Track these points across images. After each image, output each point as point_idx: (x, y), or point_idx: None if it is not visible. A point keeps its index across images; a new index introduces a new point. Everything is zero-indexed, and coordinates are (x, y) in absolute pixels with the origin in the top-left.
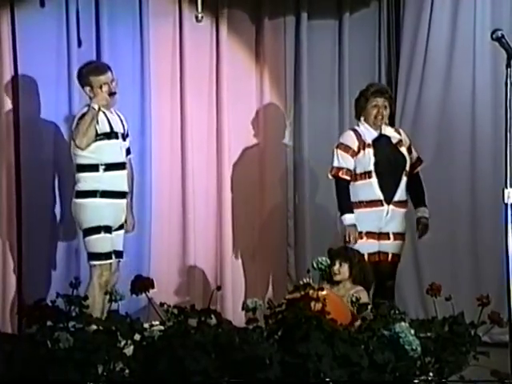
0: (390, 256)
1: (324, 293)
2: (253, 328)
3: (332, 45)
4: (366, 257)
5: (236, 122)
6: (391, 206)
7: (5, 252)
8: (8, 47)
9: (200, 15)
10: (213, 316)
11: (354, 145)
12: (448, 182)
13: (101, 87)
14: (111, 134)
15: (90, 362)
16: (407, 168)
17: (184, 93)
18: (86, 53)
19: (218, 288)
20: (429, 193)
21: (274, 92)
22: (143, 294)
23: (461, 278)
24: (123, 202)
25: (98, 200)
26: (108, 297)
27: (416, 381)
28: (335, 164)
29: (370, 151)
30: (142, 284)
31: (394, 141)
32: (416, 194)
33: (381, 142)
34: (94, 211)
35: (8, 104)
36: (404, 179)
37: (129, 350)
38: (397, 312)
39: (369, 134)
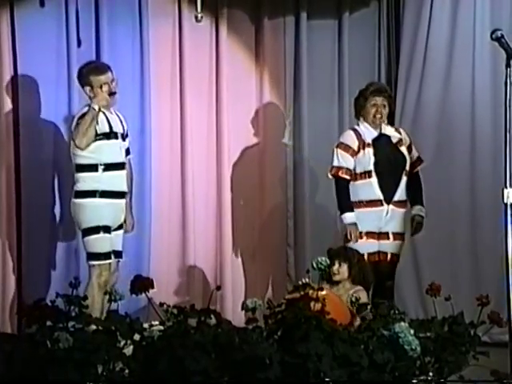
0: (389, 256)
1: (323, 293)
2: (252, 328)
3: (332, 44)
4: (365, 257)
5: (236, 122)
6: (391, 206)
7: (4, 252)
8: (8, 47)
9: (200, 15)
10: (212, 316)
11: (354, 144)
12: (447, 181)
13: (101, 87)
14: (110, 134)
15: (89, 361)
16: (407, 167)
17: (184, 93)
18: (86, 53)
19: (218, 288)
20: (428, 193)
21: (273, 92)
22: (143, 294)
23: (460, 277)
24: (122, 202)
25: (97, 200)
26: (107, 297)
27: (415, 381)
28: (335, 163)
29: (369, 151)
30: (141, 284)
31: (394, 140)
32: (414, 193)
33: (381, 142)
34: (93, 211)
35: (8, 104)
36: (404, 179)
37: (128, 350)
38: (396, 312)
39: (369, 133)
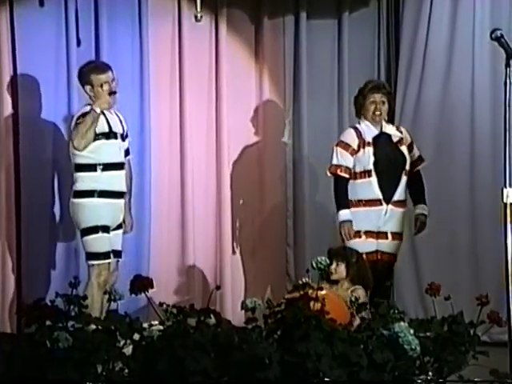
0: (387, 255)
1: (323, 292)
2: (252, 328)
3: (331, 44)
4: (364, 256)
5: (235, 121)
6: (390, 206)
7: (4, 251)
8: (7, 46)
9: (199, 15)
10: (212, 316)
11: (354, 143)
12: (447, 181)
13: (101, 86)
14: (110, 134)
15: (89, 361)
16: (407, 167)
17: (183, 92)
18: (85, 52)
19: (218, 287)
20: (428, 192)
21: (273, 91)
22: (142, 294)
23: (460, 277)
24: (121, 201)
25: (95, 200)
26: (107, 296)
27: (415, 380)
28: (334, 162)
29: (369, 150)
30: (141, 284)
31: (395, 139)
32: (416, 192)
33: (381, 140)
34: (92, 211)
35: (7, 103)
36: (404, 179)
37: (128, 350)
38: (396, 312)
39: (369, 131)
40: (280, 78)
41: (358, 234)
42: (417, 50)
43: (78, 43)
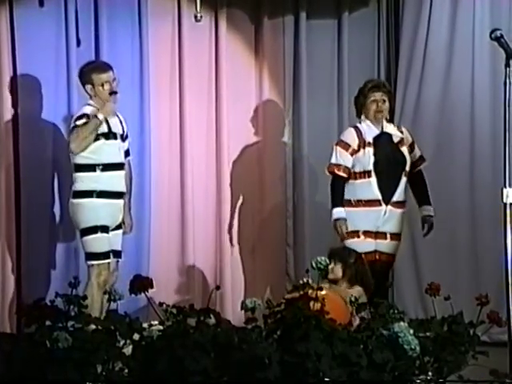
0: (385, 256)
1: (323, 292)
2: (252, 328)
3: (331, 44)
4: (363, 256)
5: (235, 121)
6: (389, 207)
7: (4, 251)
8: (7, 47)
9: (199, 15)
10: (212, 316)
11: (354, 143)
12: (447, 181)
13: (102, 85)
14: (109, 135)
15: (88, 361)
16: (407, 168)
17: (183, 91)
18: (85, 52)
19: (217, 287)
20: None
21: (273, 91)
22: (142, 294)
23: (460, 277)
24: (120, 202)
25: (94, 200)
26: (107, 296)
27: (415, 380)
28: (333, 161)
29: (370, 150)
30: (141, 284)
31: (396, 139)
32: (420, 192)
33: (381, 140)
34: (91, 211)
35: (7, 103)
36: (403, 179)
37: (128, 350)
38: (396, 311)
39: (370, 131)
40: (280, 77)
41: (356, 233)
42: (417, 49)
43: (78, 43)
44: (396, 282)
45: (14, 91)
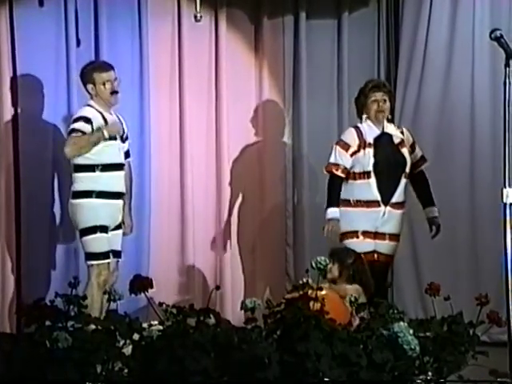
0: (384, 256)
1: (323, 292)
2: (252, 328)
3: (331, 44)
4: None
5: (235, 121)
6: (388, 208)
7: (3, 251)
8: (7, 47)
9: (199, 15)
10: (211, 316)
11: (354, 143)
12: (447, 181)
13: (104, 84)
14: (109, 135)
15: (88, 361)
16: (407, 169)
17: (183, 91)
18: (85, 52)
19: (217, 287)
20: None
21: (273, 90)
22: (142, 294)
23: (460, 277)
24: (120, 202)
25: (93, 200)
26: (107, 296)
27: (415, 380)
28: (332, 160)
29: (370, 151)
30: (140, 284)
31: (396, 141)
32: (423, 194)
33: (382, 141)
34: (90, 211)
35: (7, 103)
36: (403, 181)
37: (128, 350)
38: (395, 311)
39: (371, 131)
40: (280, 77)
41: (355, 234)
42: (417, 50)
43: (78, 43)
44: (396, 282)
45: (13, 91)
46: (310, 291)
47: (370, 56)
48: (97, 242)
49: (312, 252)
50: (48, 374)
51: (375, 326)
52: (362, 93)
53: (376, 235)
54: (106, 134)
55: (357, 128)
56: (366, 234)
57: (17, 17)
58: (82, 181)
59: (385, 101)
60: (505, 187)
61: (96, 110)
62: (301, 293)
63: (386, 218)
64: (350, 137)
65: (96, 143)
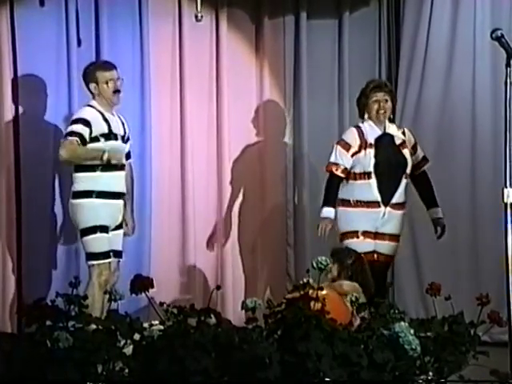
0: (384, 257)
1: (323, 292)
2: (252, 327)
3: (332, 44)
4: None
5: (236, 121)
6: (388, 208)
7: (4, 251)
8: (8, 46)
9: (199, 15)
10: (212, 315)
11: (355, 143)
12: (448, 181)
13: (106, 83)
14: (109, 135)
15: (89, 361)
16: (408, 171)
17: (184, 91)
18: (86, 52)
19: (218, 287)
20: None
21: (273, 90)
22: (143, 294)
23: (461, 277)
24: (120, 202)
25: (94, 200)
26: (108, 296)
27: (415, 380)
28: (332, 159)
29: (371, 151)
30: (141, 284)
31: (398, 141)
32: (426, 195)
33: (383, 142)
34: (90, 211)
35: (8, 103)
36: (404, 181)
37: (128, 350)
38: (396, 311)
39: (372, 132)
40: (280, 77)
41: (356, 233)
42: (417, 49)
43: (79, 43)
44: (397, 282)
45: (14, 91)
46: (310, 291)
47: (371, 55)
48: (97, 242)
49: (313, 252)
50: (49, 373)
51: (376, 325)
52: (363, 93)
53: (376, 235)
54: (105, 159)
55: (358, 128)
56: (366, 234)
57: (17, 17)
58: (83, 181)
59: (386, 101)
60: (505, 187)
61: (97, 110)
62: (301, 293)
63: (386, 219)
64: (351, 137)
65: (91, 160)
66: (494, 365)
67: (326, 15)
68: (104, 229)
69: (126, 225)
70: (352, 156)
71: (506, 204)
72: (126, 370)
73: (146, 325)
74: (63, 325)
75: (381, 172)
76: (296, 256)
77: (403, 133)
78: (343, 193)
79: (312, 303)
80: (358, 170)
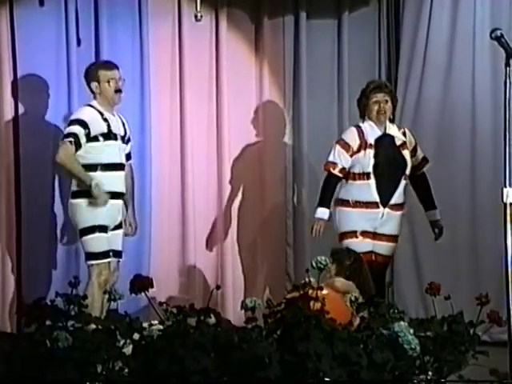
0: (382, 257)
1: (323, 292)
2: (252, 327)
3: (331, 44)
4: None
5: (236, 121)
6: (387, 209)
7: (4, 251)
8: (7, 46)
9: (199, 14)
10: (212, 315)
11: (355, 143)
12: (448, 181)
13: (108, 82)
14: (109, 135)
15: (89, 361)
16: (407, 172)
17: (183, 91)
18: (86, 52)
19: (218, 287)
20: None
21: (273, 90)
22: (143, 293)
23: (460, 276)
24: (119, 202)
25: (93, 200)
26: (107, 296)
27: (415, 380)
28: (330, 159)
29: (370, 152)
30: (141, 283)
31: (398, 142)
32: (425, 197)
33: (383, 142)
34: (89, 211)
35: (7, 103)
36: (403, 182)
37: (128, 350)
38: (396, 311)
39: (372, 132)
40: (280, 77)
41: (354, 234)
42: (417, 49)
43: (78, 43)
44: (396, 282)
45: (14, 91)
46: (310, 291)
47: (371, 55)
48: (96, 242)
49: (312, 252)
50: (48, 373)
51: (375, 325)
52: (364, 94)
53: (374, 236)
54: (93, 189)
55: (358, 128)
56: (364, 234)
57: (17, 17)
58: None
59: (386, 102)
60: (505, 187)
61: (96, 110)
62: (301, 292)
63: (385, 219)
64: (351, 137)
65: (78, 180)
66: (494, 364)
67: (326, 15)
68: (103, 228)
69: (130, 225)
70: (351, 156)
71: (505, 204)
72: (126, 370)
73: (145, 324)
74: (63, 324)
75: (380, 173)
76: (295, 256)
77: (404, 133)
78: (342, 193)
79: (312, 303)
80: (357, 170)
